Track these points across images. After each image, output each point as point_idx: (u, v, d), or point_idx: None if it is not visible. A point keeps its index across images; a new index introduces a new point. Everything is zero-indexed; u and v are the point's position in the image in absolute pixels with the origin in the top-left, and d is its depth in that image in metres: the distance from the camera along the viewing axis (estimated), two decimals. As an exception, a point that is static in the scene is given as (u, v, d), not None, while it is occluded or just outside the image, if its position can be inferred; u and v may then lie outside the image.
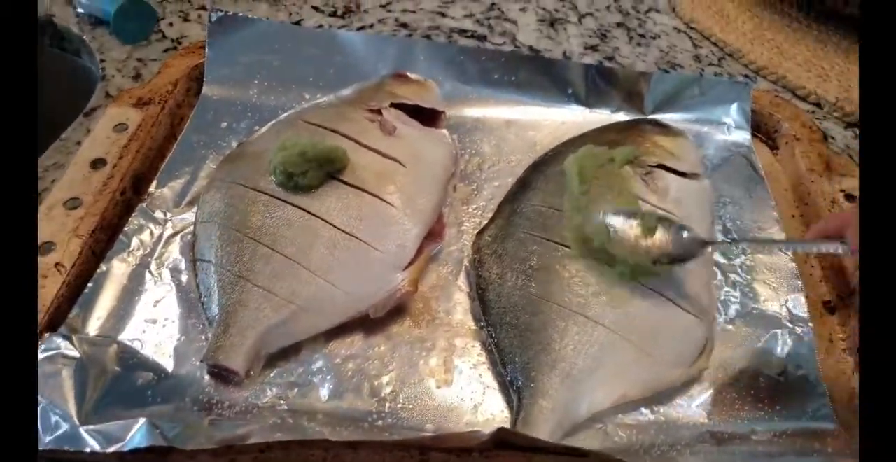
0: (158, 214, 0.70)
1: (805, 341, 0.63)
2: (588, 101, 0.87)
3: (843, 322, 0.67)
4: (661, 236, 0.60)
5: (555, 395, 0.55)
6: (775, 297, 0.67)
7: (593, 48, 1.04)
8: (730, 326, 0.65)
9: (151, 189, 0.72)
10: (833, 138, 0.90)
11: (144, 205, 0.70)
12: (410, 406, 0.58)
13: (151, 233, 0.68)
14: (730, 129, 0.85)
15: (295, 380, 0.59)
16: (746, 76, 1.01)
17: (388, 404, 0.58)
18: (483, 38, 1.03)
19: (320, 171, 0.65)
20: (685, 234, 0.60)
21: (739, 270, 0.70)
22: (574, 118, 0.86)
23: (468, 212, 0.75)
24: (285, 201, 0.65)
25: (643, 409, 0.59)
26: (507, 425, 0.56)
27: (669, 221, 0.61)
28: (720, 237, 0.73)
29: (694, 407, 0.59)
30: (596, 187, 0.67)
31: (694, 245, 0.60)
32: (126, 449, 0.49)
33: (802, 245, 0.57)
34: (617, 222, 0.61)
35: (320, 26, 1.02)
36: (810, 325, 0.64)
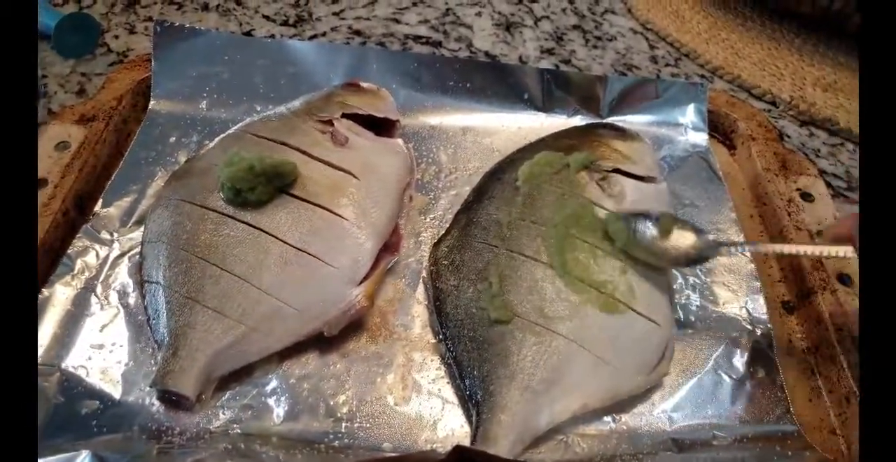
0: (104, 235, 0.68)
1: (765, 343, 0.63)
2: (544, 106, 0.86)
3: (802, 322, 0.67)
4: (678, 238, 0.61)
5: (514, 408, 0.54)
6: (734, 299, 0.67)
7: (549, 51, 1.03)
8: (689, 330, 0.64)
9: (97, 208, 0.69)
10: (788, 137, 0.91)
11: (89, 225, 0.68)
12: (368, 425, 0.57)
13: (97, 254, 0.66)
14: (687, 130, 0.85)
15: (248, 402, 0.57)
16: (703, 76, 1.01)
17: (344, 424, 0.56)
18: (438, 45, 1.02)
19: (269, 185, 0.63)
20: (705, 236, 0.61)
21: (699, 272, 0.70)
22: (531, 123, 0.85)
23: (426, 222, 0.73)
24: (234, 218, 0.63)
25: (605, 418, 0.58)
26: (468, 441, 0.55)
27: (686, 224, 0.62)
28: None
29: (656, 414, 0.59)
30: (550, 194, 0.66)
31: (711, 247, 0.60)
32: (67, 485, 0.47)
33: (814, 249, 0.58)
34: (636, 224, 0.62)
35: (272, 36, 1.00)
36: (770, 326, 0.64)
